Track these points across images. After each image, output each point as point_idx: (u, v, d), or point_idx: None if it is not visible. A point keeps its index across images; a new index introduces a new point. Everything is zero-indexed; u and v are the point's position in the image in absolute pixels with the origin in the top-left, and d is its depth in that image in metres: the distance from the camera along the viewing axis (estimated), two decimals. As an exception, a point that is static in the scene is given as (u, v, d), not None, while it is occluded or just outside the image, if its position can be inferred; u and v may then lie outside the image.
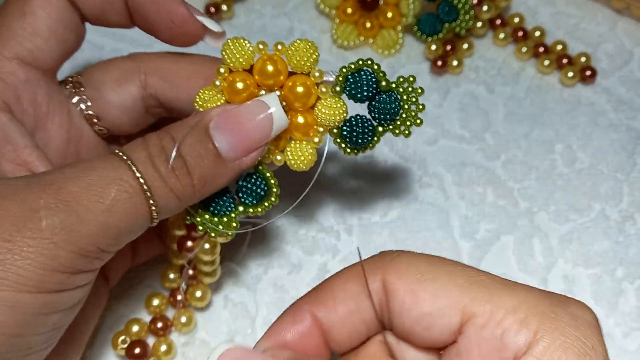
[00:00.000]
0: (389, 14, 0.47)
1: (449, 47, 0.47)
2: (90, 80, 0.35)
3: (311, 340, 0.29)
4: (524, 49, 0.47)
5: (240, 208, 0.32)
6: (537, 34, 0.48)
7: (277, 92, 0.32)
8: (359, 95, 0.33)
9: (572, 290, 0.40)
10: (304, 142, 0.32)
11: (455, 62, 0.47)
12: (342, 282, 0.29)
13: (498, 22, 0.48)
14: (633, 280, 0.40)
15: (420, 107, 0.33)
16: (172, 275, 0.38)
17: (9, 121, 0.31)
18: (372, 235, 0.41)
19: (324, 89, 0.32)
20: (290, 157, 0.32)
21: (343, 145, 0.33)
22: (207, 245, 0.35)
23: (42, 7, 0.32)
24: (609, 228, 0.42)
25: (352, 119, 0.33)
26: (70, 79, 0.35)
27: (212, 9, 0.48)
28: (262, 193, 0.32)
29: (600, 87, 0.47)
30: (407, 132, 0.33)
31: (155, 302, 0.38)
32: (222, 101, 0.32)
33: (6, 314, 0.25)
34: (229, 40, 0.32)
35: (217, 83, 0.31)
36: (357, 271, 0.29)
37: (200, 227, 0.32)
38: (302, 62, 0.31)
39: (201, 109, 0.32)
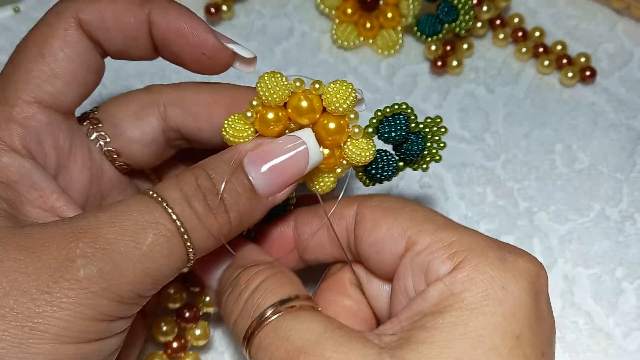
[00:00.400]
0: (389, 15, 0.47)
1: (448, 48, 0.47)
2: (107, 116, 0.34)
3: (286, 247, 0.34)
4: (524, 50, 0.47)
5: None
6: (537, 34, 0.48)
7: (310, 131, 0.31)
8: (391, 139, 0.33)
9: (572, 290, 0.40)
10: (327, 170, 0.32)
11: (455, 63, 0.47)
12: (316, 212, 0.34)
13: (498, 22, 0.48)
14: (633, 280, 0.40)
15: (442, 144, 0.33)
16: (165, 328, 0.37)
17: (33, 167, 0.30)
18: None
19: (356, 130, 0.31)
20: (310, 181, 0.32)
21: (364, 177, 0.34)
22: (198, 332, 0.37)
23: (61, 49, 0.31)
24: (609, 228, 0.42)
25: (378, 156, 0.33)
26: (88, 115, 0.34)
27: (212, 10, 0.48)
28: (278, 211, 0.34)
29: (600, 88, 0.47)
30: (425, 166, 0.34)
31: None
32: (251, 130, 0.31)
33: None
34: (265, 75, 0.31)
35: (249, 114, 0.31)
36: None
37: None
38: (339, 105, 0.31)
39: (231, 138, 0.31)
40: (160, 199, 0.28)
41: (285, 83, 0.31)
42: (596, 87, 0.47)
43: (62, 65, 0.31)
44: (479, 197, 0.43)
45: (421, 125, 0.33)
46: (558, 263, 0.41)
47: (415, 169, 0.34)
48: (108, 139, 0.34)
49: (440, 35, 0.47)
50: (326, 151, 0.31)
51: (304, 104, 0.31)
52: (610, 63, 0.48)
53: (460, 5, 0.46)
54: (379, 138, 0.33)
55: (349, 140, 0.31)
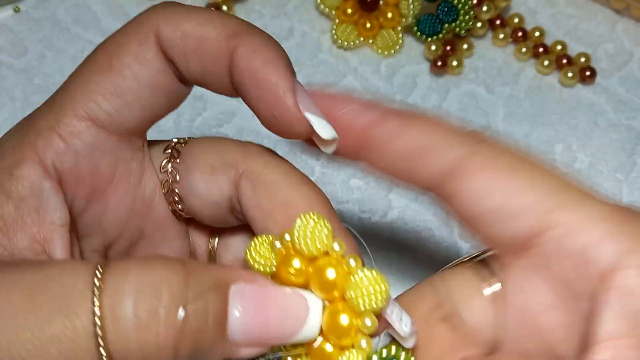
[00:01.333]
0: (389, 15, 0.47)
1: (448, 48, 0.47)
2: (188, 155, 0.30)
3: None
4: (524, 49, 0.48)
5: None
6: (537, 34, 0.48)
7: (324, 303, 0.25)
8: None
9: (572, 290, 0.40)
10: (354, 353, 0.25)
11: (455, 63, 0.47)
12: None
13: (498, 22, 0.48)
14: (633, 280, 0.40)
15: None
16: None
17: (49, 190, 0.26)
18: (372, 235, 0.41)
19: (363, 343, 0.25)
20: None
21: None
22: None
23: (130, 64, 0.27)
24: (609, 228, 0.42)
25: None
26: (173, 145, 0.30)
27: (213, 10, 0.48)
28: None
29: (600, 88, 0.47)
30: None
31: None
32: (272, 263, 0.26)
33: None
34: (310, 215, 0.25)
35: (278, 245, 0.26)
36: None
37: None
38: (361, 300, 0.24)
39: (250, 259, 0.26)
40: (98, 284, 0.21)
41: (326, 238, 0.25)
42: (596, 87, 0.47)
43: (126, 82, 0.27)
44: (479, 197, 0.43)
45: None
46: (558, 263, 0.41)
47: None
48: (177, 178, 0.29)
49: (440, 35, 0.47)
50: (329, 347, 0.25)
51: (331, 275, 0.25)
52: (610, 63, 0.48)
53: (460, 5, 0.46)
54: None
55: (347, 352, 0.25)
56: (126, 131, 0.28)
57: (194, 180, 0.29)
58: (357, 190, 0.43)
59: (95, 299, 0.21)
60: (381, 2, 0.48)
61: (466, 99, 0.46)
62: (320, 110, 0.27)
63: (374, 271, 0.25)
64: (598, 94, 0.46)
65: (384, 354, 0.26)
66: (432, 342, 0.27)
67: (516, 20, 0.48)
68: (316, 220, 0.25)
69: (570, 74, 0.46)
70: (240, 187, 0.28)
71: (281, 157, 0.29)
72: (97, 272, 0.21)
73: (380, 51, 0.48)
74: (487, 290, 0.27)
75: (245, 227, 0.30)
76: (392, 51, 0.48)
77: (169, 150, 0.30)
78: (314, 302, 0.24)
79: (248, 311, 0.23)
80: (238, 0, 0.50)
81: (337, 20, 0.48)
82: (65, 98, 0.27)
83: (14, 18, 0.49)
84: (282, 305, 0.24)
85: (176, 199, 0.30)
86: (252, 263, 0.26)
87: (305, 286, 0.25)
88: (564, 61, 0.47)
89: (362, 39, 0.48)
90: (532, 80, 0.47)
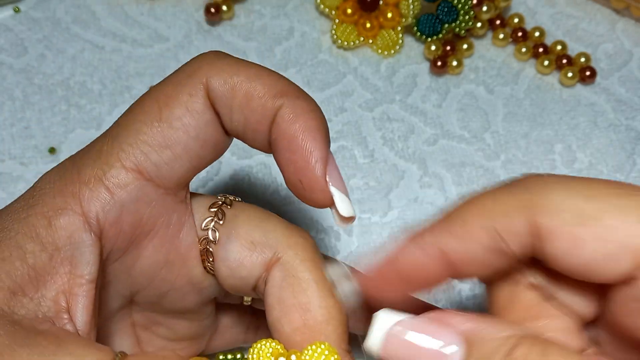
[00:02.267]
0: (389, 15, 0.47)
1: (448, 48, 0.47)
2: (232, 219, 0.29)
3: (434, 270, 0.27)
4: (524, 49, 0.48)
5: None
6: (537, 34, 0.48)
7: None
8: None
9: (572, 290, 0.40)
10: None
11: (455, 63, 0.47)
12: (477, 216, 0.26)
13: (498, 22, 0.48)
14: (632, 280, 0.40)
15: None
16: None
17: (85, 244, 0.26)
18: (372, 235, 0.41)
19: None
20: None
21: None
22: None
23: (181, 117, 0.27)
24: (609, 228, 0.42)
25: None
26: (219, 204, 0.30)
27: (212, 9, 0.48)
28: None
29: (600, 88, 0.47)
30: None
31: None
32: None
33: None
34: (322, 354, 0.26)
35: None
36: (496, 202, 0.25)
37: None
38: None
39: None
40: None
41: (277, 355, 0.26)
42: (596, 87, 0.47)
43: (176, 135, 0.27)
44: (479, 197, 0.43)
45: None
46: (558, 263, 0.41)
47: None
48: (214, 241, 0.29)
49: (440, 35, 0.47)
50: None
51: None
52: (610, 63, 0.48)
53: (460, 5, 0.46)
54: None
55: None
56: (172, 183, 0.28)
57: (231, 250, 0.29)
58: (357, 190, 0.43)
59: None
60: (381, 2, 0.48)
61: (466, 99, 0.46)
62: (345, 186, 0.28)
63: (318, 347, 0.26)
64: (598, 94, 0.47)
65: None
66: (516, 304, 0.27)
67: (516, 20, 0.48)
68: (326, 355, 0.25)
69: (570, 74, 0.46)
70: (271, 273, 0.28)
71: (319, 255, 0.29)
72: None
73: (380, 51, 0.48)
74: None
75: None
76: (392, 51, 0.48)
77: (215, 209, 0.29)
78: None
79: None
80: (238, 1, 0.50)
81: (337, 20, 0.48)
82: (114, 147, 0.27)
83: (14, 18, 0.49)
84: None
85: (210, 259, 0.29)
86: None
87: None
88: (564, 61, 0.47)
89: (362, 39, 0.48)
90: (532, 80, 0.47)
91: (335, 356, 0.26)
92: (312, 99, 0.28)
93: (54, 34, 0.48)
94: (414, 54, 0.48)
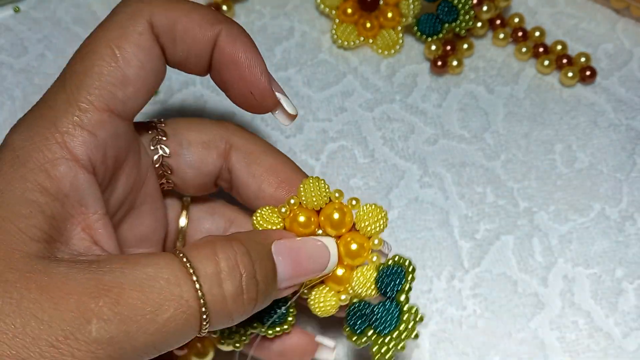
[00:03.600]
0: (389, 14, 0.47)
1: (448, 47, 0.47)
2: (176, 134, 0.34)
3: None
4: (524, 49, 0.48)
5: (255, 324, 0.33)
6: (537, 34, 0.48)
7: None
8: (381, 287, 0.31)
9: (572, 290, 0.40)
10: (332, 292, 0.32)
11: (455, 62, 0.47)
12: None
13: (498, 22, 0.48)
14: (633, 280, 0.40)
15: (400, 347, 0.30)
16: None
17: (87, 182, 0.28)
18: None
19: (374, 258, 0.32)
20: (313, 300, 0.32)
21: (345, 322, 0.32)
22: (199, 345, 0.35)
23: (135, 54, 0.30)
24: (609, 228, 0.42)
25: (360, 304, 0.32)
26: (154, 126, 0.34)
27: (213, 9, 0.48)
28: (277, 317, 0.33)
29: (600, 87, 0.47)
30: (376, 357, 0.30)
31: None
32: (280, 225, 0.32)
33: None
34: (310, 178, 0.32)
35: (283, 210, 0.32)
36: None
37: (215, 333, 0.33)
38: (369, 227, 0.32)
39: (259, 227, 0.32)
40: (191, 271, 0.27)
41: (326, 191, 0.32)
42: (596, 87, 0.47)
43: (135, 71, 0.30)
44: (479, 197, 0.43)
45: (405, 308, 0.31)
46: (558, 263, 0.41)
47: (372, 354, 0.30)
48: (168, 155, 0.33)
49: (440, 35, 0.47)
50: (340, 272, 0.32)
51: (336, 216, 0.31)
52: (610, 63, 0.48)
53: (460, 5, 0.46)
54: (375, 282, 0.32)
55: (360, 267, 0.32)
56: (134, 115, 0.31)
57: (189, 155, 0.34)
58: (357, 190, 0.43)
59: (197, 284, 0.26)
60: (381, 2, 0.48)
61: (466, 99, 0.46)
62: (283, 90, 0.33)
63: (373, 204, 0.32)
64: (598, 94, 0.47)
65: (390, 263, 0.32)
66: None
67: (516, 20, 0.48)
68: (316, 180, 0.32)
69: (570, 74, 0.46)
70: (232, 158, 0.34)
71: (254, 134, 0.35)
72: (185, 261, 0.27)
73: (380, 51, 0.48)
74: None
75: (207, 205, 0.37)
76: (392, 51, 0.48)
77: (152, 130, 0.33)
78: (330, 243, 0.31)
79: (287, 263, 0.30)
80: (238, 1, 0.50)
81: (337, 20, 0.48)
82: (82, 93, 0.29)
83: (14, 18, 0.49)
84: (309, 252, 0.31)
85: (168, 172, 0.34)
86: (261, 228, 0.32)
87: (314, 233, 0.32)
88: (564, 61, 0.47)
89: (362, 38, 0.48)
90: (532, 80, 0.47)
91: (322, 181, 0.32)
92: (239, 24, 0.33)
93: (54, 34, 0.48)
94: (414, 53, 0.48)
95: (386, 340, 0.30)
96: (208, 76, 0.33)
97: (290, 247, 0.30)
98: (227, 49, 0.31)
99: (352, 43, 0.48)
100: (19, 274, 0.25)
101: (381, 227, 0.32)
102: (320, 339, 0.34)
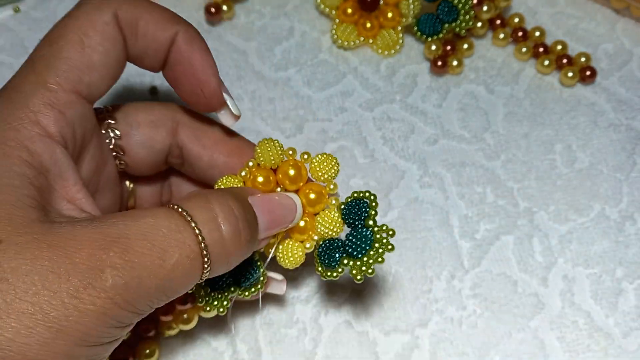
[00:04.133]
0: (389, 14, 0.47)
1: (448, 47, 0.47)
2: (125, 116, 0.36)
3: None
4: (524, 49, 0.48)
5: (232, 289, 0.35)
6: (537, 34, 0.48)
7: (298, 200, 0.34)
8: (346, 219, 0.35)
9: (572, 290, 0.40)
10: (297, 243, 0.35)
11: (455, 62, 0.47)
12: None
13: (498, 22, 0.48)
14: (633, 280, 0.40)
15: (380, 260, 0.34)
16: None
17: (64, 157, 0.30)
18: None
19: (333, 202, 0.35)
20: (281, 254, 0.35)
21: (318, 262, 0.35)
22: (185, 316, 0.37)
23: (101, 42, 0.32)
24: (609, 228, 0.42)
25: (330, 241, 0.35)
26: (103, 111, 0.35)
27: (213, 9, 0.48)
28: (254, 279, 0.35)
29: (600, 87, 0.47)
30: (358, 277, 0.33)
31: None
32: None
33: None
34: (264, 140, 0.34)
35: (243, 174, 0.34)
36: None
37: (200, 300, 0.34)
38: (324, 175, 0.35)
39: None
40: (189, 218, 0.29)
41: (280, 150, 0.34)
42: (596, 87, 0.47)
43: (100, 57, 0.32)
44: (479, 197, 0.43)
45: (376, 229, 0.34)
46: (558, 263, 0.41)
47: (352, 274, 0.34)
48: (119, 137, 0.35)
49: (440, 35, 0.47)
50: (302, 223, 0.34)
51: (292, 172, 0.34)
52: (610, 63, 0.48)
53: (460, 5, 0.46)
54: (341, 217, 0.35)
55: (322, 212, 0.35)
56: (96, 99, 0.33)
57: (139, 134, 0.35)
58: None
59: (197, 230, 0.28)
60: (381, 2, 0.48)
61: (466, 99, 0.46)
62: (229, 93, 0.35)
63: (324, 153, 0.35)
64: (598, 94, 0.47)
65: (349, 200, 0.35)
66: None
67: (516, 20, 0.48)
68: (270, 140, 0.34)
69: (570, 74, 0.46)
70: (180, 134, 0.36)
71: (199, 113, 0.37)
72: (182, 211, 0.29)
73: (380, 51, 0.48)
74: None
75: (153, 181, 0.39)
76: (392, 51, 0.48)
77: (101, 114, 0.35)
78: (294, 196, 0.34)
79: (264, 213, 0.32)
80: (238, 1, 0.50)
81: (337, 20, 0.48)
82: (50, 75, 0.31)
83: (14, 18, 0.49)
84: (282, 204, 0.33)
85: (121, 153, 0.35)
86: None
87: (274, 191, 0.34)
88: (564, 61, 0.47)
89: (362, 38, 0.48)
90: (532, 80, 0.47)
91: (275, 141, 0.34)
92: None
93: (54, 34, 0.48)
94: (414, 53, 0.48)
95: (361, 262, 0.34)
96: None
97: (265, 200, 0.33)
98: (184, 49, 0.33)
99: (352, 43, 0.48)
100: (28, 237, 0.26)
101: (334, 173, 0.35)
102: (270, 274, 0.36)
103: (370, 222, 0.34)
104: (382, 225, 0.34)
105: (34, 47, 0.36)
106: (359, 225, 0.34)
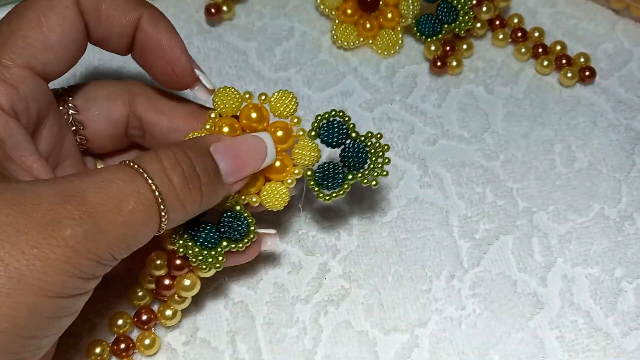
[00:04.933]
0: (389, 15, 0.47)
1: (448, 48, 0.47)
2: (81, 92, 0.36)
3: None
4: (523, 50, 0.48)
5: (224, 243, 0.35)
6: (537, 34, 0.48)
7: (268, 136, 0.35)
8: (330, 140, 0.36)
9: (571, 290, 0.40)
10: (279, 183, 0.36)
11: (454, 63, 0.47)
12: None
13: (497, 22, 0.48)
14: (632, 280, 0.40)
15: (386, 160, 0.36)
16: (140, 293, 0.38)
17: (17, 128, 0.31)
18: (372, 235, 0.42)
19: (300, 133, 0.36)
20: (266, 197, 0.36)
21: (316, 188, 0.36)
22: (187, 282, 0.36)
23: (59, 23, 0.33)
24: (608, 228, 0.42)
25: (325, 164, 0.36)
26: (61, 89, 0.36)
27: (213, 10, 0.48)
28: (243, 229, 0.35)
29: (600, 88, 0.47)
30: (374, 182, 0.36)
31: (120, 322, 0.38)
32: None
33: (28, 318, 0.27)
34: (220, 88, 0.35)
35: (208, 127, 0.35)
36: None
37: (194, 260, 0.35)
38: (283, 110, 0.36)
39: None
40: (141, 170, 0.30)
41: (237, 95, 0.35)
42: (595, 87, 0.47)
43: (57, 38, 0.33)
44: (479, 197, 0.43)
45: (362, 138, 0.36)
46: (557, 263, 0.41)
47: (364, 184, 0.36)
48: (76, 112, 0.36)
49: (440, 36, 0.47)
50: (277, 164, 0.35)
51: (254, 115, 0.35)
52: (609, 63, 0.48)
53: (459, 6, 0.46)
54: (322, 141, 0.36)
55: (295, 145, 0.36)
56: (53, 78, 0.34)
57: (96, 107, 0.36)
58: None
59: (149, 180, 0.30)
60: (381, 3, 0.48)
61: (466, 99, 0.46)
62: (201, 68, 0.36)
63: (279, 90, 0.36)
64: (597, 94, 0.47)
65: (319, 123, 0.36)
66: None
67: (516, 20, 0.48)
68: (225, 88, 0.35)
69: (569, 74, 0.46)
70: (137, 103, 0.37)
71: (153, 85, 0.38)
72: (134, 165, 0.30)
73: (380, 51, 0.48)
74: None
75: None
76: (392, 51, 0.48)
77: (62, 90, 0.36)
78: (264, 135, 0.35)
79: (227, 158, 0.33)
80: (238, 1, 0.50)
81: (337, 21, 0.48)
82: (4, 52, 0.32)
83: (15, 18, 0.49)
84: (247, 145, 0.34)
85: (80, 128, 0.36)
86: None
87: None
88: (564, 61, 0.47)
89: (362, 39, 0.48)
90: (531, 80, 0.47)
91: (232, 88, 0.35)
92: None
93: (55, 35, 0.48)
94: (413, 54, 0.48)
95: (368, 170, 0.36)
96: None
97: (227, 145, 0.33)
98: (150, 31, 0.34)
99: (352, 43, 0.48)
100: None
101: (294, 107, 0.36)
102: (260, 230, 0.37)
103: (354, 135, 0.36)
104: (367, 133, 0.36)
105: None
106: (346, 141, 0.36)
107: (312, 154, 0.36)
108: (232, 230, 0.35)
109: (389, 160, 0.36)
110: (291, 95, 0.36)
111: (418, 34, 0.47)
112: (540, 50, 0.47)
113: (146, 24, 0.34)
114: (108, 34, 0.34)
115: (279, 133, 0.35)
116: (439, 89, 0.47)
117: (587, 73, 0.46)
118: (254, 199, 0.36)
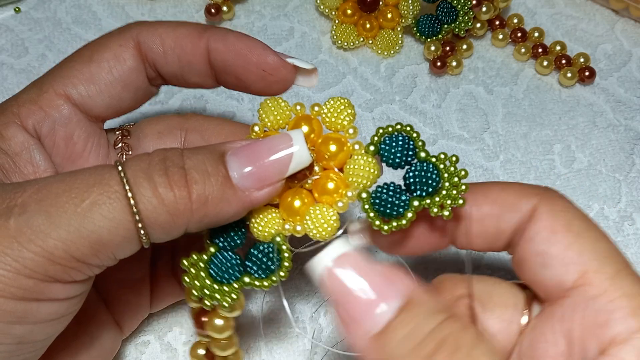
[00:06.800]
0: (389, 15, 0.47)
1: (448, 48, 0.47)
2: (137, 130, 0.36)
3: None
4: (523, 50, 0.48)
5: (246, 279, 0.29)
6: (536, 34, 0.48)
7: (305, 128, 0.30)
8: (392, 158, 0.30)
9: (571, 290, 0.40)
10: (326, 207, 0.29)
11: (454, 63, 0.47)
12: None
13: (497, 23, 0.48)
14: (631, 280, 0.40)
15: (463, 187, 0.29)
16: (200, 351, 0.32)
17: (35, 146, 0.32)
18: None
19: (356, 146, 0.30)
20: (311, 225, 0.29)
21: (372, 214, 0.29)
22: (219, 322, 0.30)
23: (108, 60, 0.33)
24: (608, 228, 0.42)
25: (385, 185, 0.29)
26: (122, 127, 0.36)
27: (213, 10, 0.48)
28: (272, 267, 0.29)
29: (599, 88, 0.47)
30: (447, 213, 0.29)
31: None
32: None
33: None
34: (266, 99, 0.31)
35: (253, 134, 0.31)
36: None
37: (195, 293, 0.29)
38: (336, 120, 0.30)
39: None
40: (117, 164, 0.27)
41: (286, 107, 0.31)
42: (595, 87, 0.47)
43: (102, 74, 0.33)
44: (478, 197, 0.43)
45: (433, 159, 0.30)
46: (557, 263, 0.41)
47: (434, 214, 0.29)
48: (130, 152, 0.35)
49: (440, 36, 0.47)
50: (331, 185, 0.29)
51: (305, 128, 0.30)
52: (609, 63, 0.48)
53: (459, 6, 0.46)
54: (382, 159, 0.30)
55: (349, 160, 0.29)
56: (95, 114, 0.33)
57: (145, 146, 0.35)
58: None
59: (123, 174, 0.26)
60: (381, 3, 0.48)
61: (465, 99, 0.46)
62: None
63: (335, 97, 0.31)
64: (597, 94, 0.47)
65: (379, 138, 0.30)
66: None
67: (515, 20, 0.49)
68: (273, 99, 0.31)
69: (569, 74, 0.46)
70: (188, 140, 0.35)
71: (213, 116, 0.37)
72: (115, 162, 0.27)
73: (380, 51, 0.48)
74: (523, 319, 0.29)
75: None
76: (392, 51, 0.48)
77: (119, 131, 0.35)
78: (294, 132, 0.29)
79: (241, 156, 0.28)
80: (238, 1, 0.50)
81: (336, 21, 0.48)
82: (48, 79, 0.33)
83: (15, 18, 0.49)
84: (267, 146, 0.28)
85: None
86: None
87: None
88: (563, 61, 0.47)
89: (361, 39, 0.48)
90: (531, 81, 0.47)
91: (279, 99, 0.31)
92: None
93: (55, 34, 0.48)
94: (413, 54, 0.48)
95: (439, 198, 0.29)
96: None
97: (244, 145, 0.29)
98: (221, 47, 0.33)
99: (352, 44, 0.48)
100: None
101: (349, 114, 0.30)
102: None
103: (422, 154, 0.29)
104: (439, 154, 0.29)
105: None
106: (412, 161, 0.30)
107: (370, 170, 0.29)
108: (258, 266, 0.29)
109: (467, 188, 0.29)
110: (345, 102, 0.30)
111: (418, 34, 0.47)
112: (539, 50, 0.48)
113: (215, 44, 0.32)
114: (178, 66, 0.33)
115: (332, 147, 0.29)
116: (439, 89, 0.47)
117: (586, 73, 0.46)
118: (298, 228, 0.29)
